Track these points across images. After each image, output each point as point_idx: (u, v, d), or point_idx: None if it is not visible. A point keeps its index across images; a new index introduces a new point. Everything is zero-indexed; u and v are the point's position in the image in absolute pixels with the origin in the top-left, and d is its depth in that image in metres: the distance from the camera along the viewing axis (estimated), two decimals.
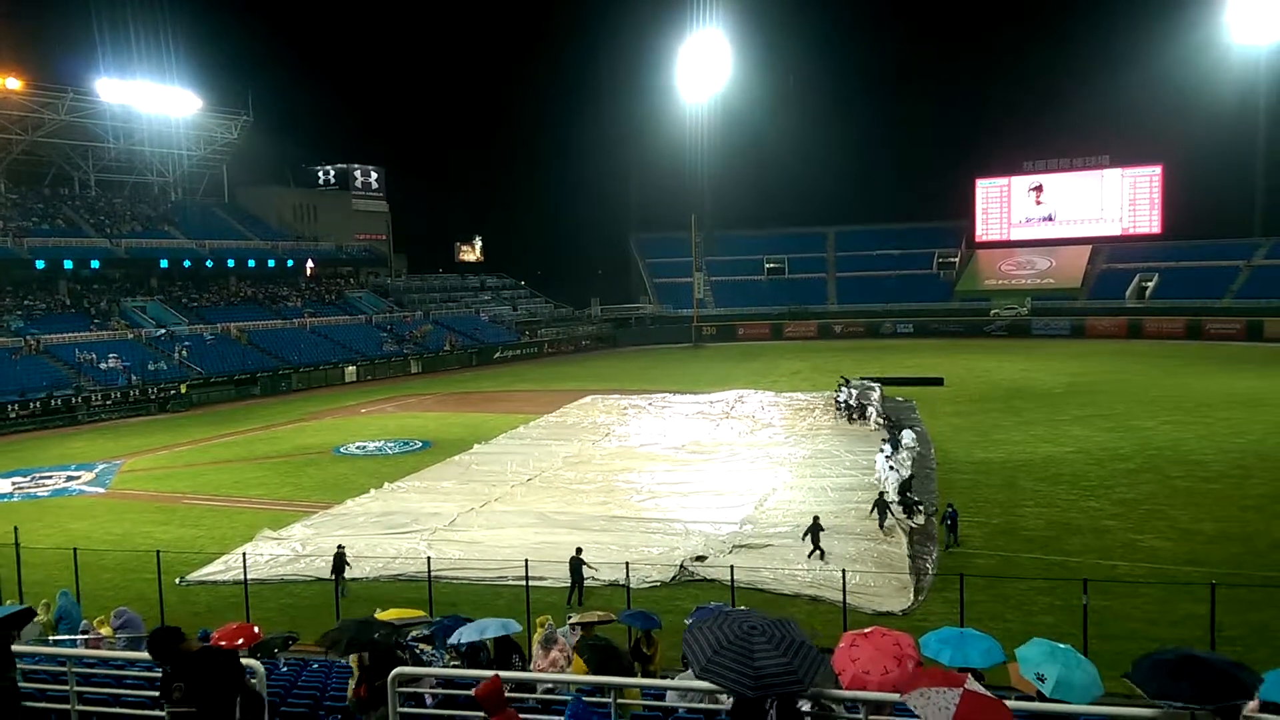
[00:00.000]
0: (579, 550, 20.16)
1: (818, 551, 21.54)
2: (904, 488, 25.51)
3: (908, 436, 33.48)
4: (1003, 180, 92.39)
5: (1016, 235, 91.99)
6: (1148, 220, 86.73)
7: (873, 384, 42.74)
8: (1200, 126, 76.93)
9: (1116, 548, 22.00)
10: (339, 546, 21.24)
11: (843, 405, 41.29)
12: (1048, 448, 33.70)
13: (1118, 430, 36.46)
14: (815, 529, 21.69)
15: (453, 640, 12.13)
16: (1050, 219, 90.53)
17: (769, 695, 5.31)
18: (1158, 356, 62.00)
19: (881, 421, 38.41)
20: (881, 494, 24.81)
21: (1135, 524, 23.87)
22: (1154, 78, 76.89)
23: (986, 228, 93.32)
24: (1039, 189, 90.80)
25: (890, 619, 17.45)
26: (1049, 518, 24.71)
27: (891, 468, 27.56)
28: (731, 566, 18.86)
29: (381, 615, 12.39)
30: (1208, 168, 79.71)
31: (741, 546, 22.83)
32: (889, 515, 23.78)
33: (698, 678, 5.43)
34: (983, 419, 40.30)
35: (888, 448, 30.51)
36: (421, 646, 12.35)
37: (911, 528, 23.59)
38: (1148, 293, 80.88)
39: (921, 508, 24.83)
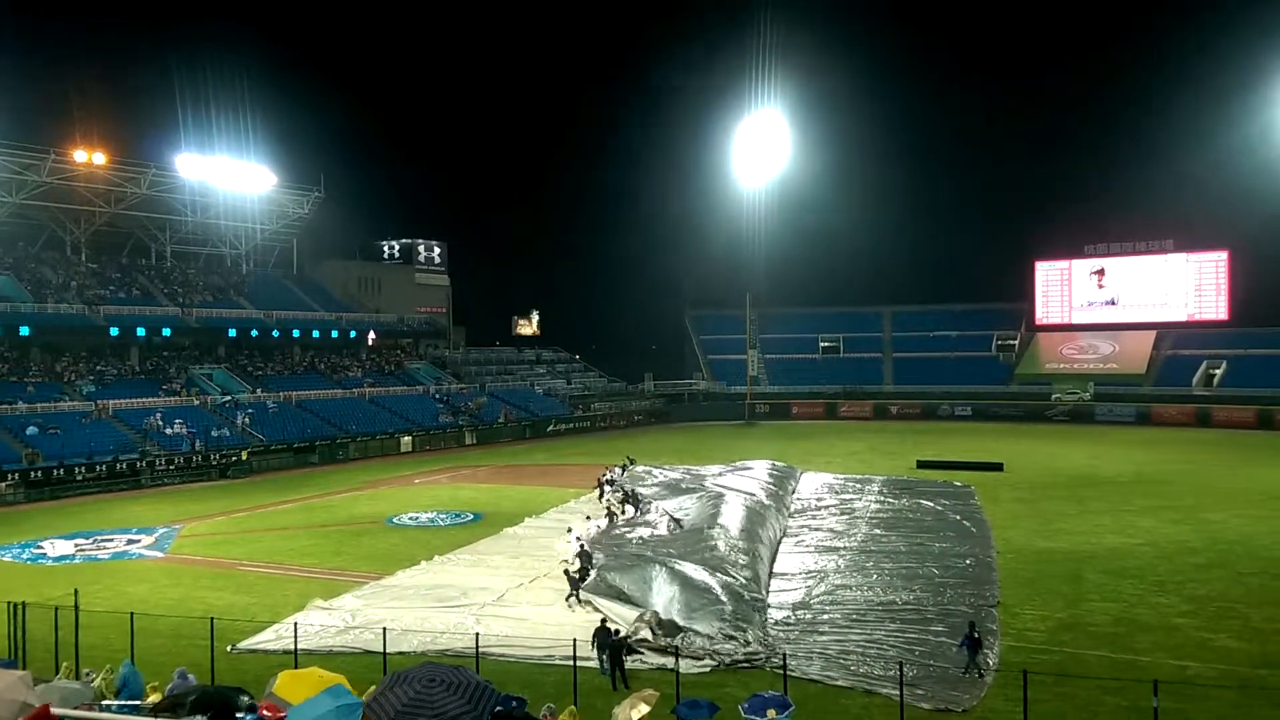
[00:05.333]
0: (616, 633, 19.93)
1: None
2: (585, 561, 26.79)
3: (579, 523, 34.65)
4: (1063, 263, 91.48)
5: (1078, 319, 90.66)
6: (1214, 306, 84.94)
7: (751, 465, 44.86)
8: (1267, 212, 75.62)
9: (1188, 647, 21.05)
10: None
11: (610, 484, 42.16)
12: (1114, 539, 32.63)
13: (1187, 523, 35.21)
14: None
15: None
16: (1113, 303, 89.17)
17: None
18: (1227, 447, 60.09)
19: (614, 501, 38.39)
20: (566, 570, 25.93)
21: (1207, 622, 22.86)
22: (1218, 162, 76.11)
23: (1047, 310, 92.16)
24: (1101, 272, 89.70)
25: (949, 716, 16.85)
26: (1116, 613, 23.78)
27: (578, 538, 29.83)
28: (784, 654, 18.43)
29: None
30: (1276, 254, 78.14)
31: (794, 631, 22.30)
32: (578, 590, 24.69)
33: None
34: (1045, 507, 39.25)
35: (577, 527, 32.75)
36: None
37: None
38: (1215, 380, 78.82)
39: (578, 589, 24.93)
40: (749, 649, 20.26)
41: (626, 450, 54.32)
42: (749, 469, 44.57)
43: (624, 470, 45.09)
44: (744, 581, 25.10)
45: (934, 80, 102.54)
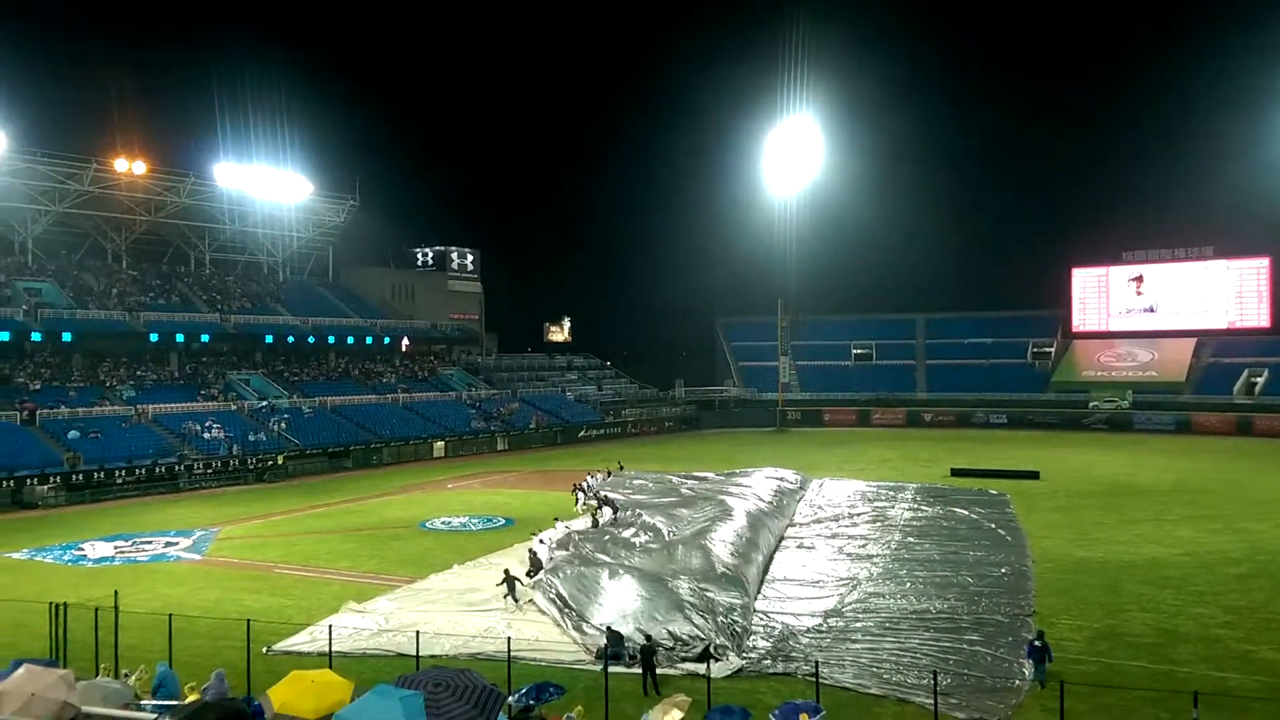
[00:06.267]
0: (649, 638, 19.99)
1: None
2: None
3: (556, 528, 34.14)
4: (1101, 270, 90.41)
5: (1116, 326, 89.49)
6: (1255, 314, 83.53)
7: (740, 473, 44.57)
8: None
9: (1229, 659, 20.68)
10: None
11: (586, 489, 42.46)
12: (1152, 549, 32.13)
13: (1227, 533, 34.61)
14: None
15: None
16: (1152, 310, 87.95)
17: None
18: (1269, 456, 58.96)
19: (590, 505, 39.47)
20: (506, 570, 26.14)
21: (1249, 634, 22.44)
22: (1259, 168, 74.93)
23: (1084, 318, 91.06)
24: (1139, 279, 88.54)
25: None
26: (1155, 624, 23.41)
27: (540, 541, 29.67)
28: (816, 661, 18.34)
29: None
30: None
31: (826, 639, 22.16)
32: (517, 588, 25.29)
33: None
34: (1082, 516, 38.73)
35: (545, 530, 32.32)
36: None
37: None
38: (1257, 389, 77.39)
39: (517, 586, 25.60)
40: (683, 649, 20.30)
41: (657, 456, 54.41)
42: (744, 475, 44.37)
43: (609, 475, 45.40)
44: (692, 584, 24.06)
45: (969, 85, 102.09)
